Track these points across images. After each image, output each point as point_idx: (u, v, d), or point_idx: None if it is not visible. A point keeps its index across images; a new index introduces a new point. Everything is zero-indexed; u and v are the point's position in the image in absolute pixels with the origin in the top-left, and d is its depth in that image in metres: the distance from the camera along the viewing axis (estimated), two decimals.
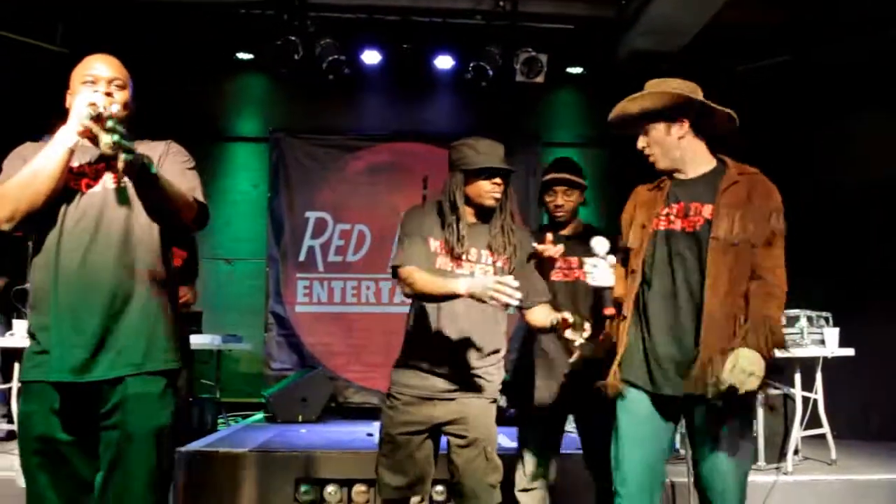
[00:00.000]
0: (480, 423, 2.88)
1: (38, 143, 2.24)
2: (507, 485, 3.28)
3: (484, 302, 2.56)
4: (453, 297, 2.66)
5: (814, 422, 4.81)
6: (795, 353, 4.62)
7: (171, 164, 2.31)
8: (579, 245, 3.17)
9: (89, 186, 2.18)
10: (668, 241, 2.57)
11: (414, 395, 2.88)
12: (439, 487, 4.30)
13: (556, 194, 3.33)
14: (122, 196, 2.18)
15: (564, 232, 3.36)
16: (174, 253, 3.90)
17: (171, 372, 2.25)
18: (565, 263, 3.28)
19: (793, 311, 4.84)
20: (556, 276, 3.23)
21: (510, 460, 3.91)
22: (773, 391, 4.79)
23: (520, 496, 3.26)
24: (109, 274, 2.12)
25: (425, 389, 2.87)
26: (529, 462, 3.27)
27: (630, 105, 2.61)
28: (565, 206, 3.32)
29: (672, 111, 2.57)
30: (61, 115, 2.25)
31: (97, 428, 2.14)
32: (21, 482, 2.20)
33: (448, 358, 2.85)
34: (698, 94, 2.58)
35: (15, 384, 4.42)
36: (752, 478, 4.36)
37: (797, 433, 4.69)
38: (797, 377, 4.68)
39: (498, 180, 2.85)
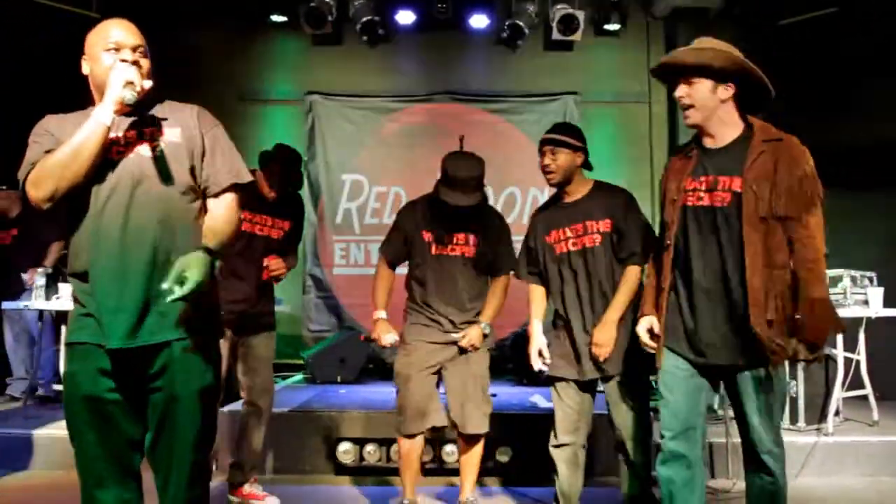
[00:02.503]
0: (475, 365, 3.62)
1: (59, 115, 2.23)
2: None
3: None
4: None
5: (856, 383, 4.75)
6: (838, 313, 4.55)
7: (215, 145, 2.29)
8: (587, 208, 3.35)
9: (120, 153, 2.17)
10: (698, 217, 2.65)
11: (421, 342, 3.61)
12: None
13: (544, 155, 3.37)
14: (160, 164, 2.18)
15: (568, 199, 3.42)
16: (276, 224, 3.93)
17: (214, 335, 2.29)
18: (572, 232, 3.35)
19: (836, 271, 4.75)
20: (562, 247, 3.37)
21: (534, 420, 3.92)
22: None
23: (552, 451, 3.38)
24: (150, 239, 2.13)
25: (429, 337, 3.61)
26: (560, 419, 3.36)
27: (688, 55, 2.61)
28: (551, 166, 3.34)
29: (725, 73, 2.59)
30: (82, 81, 2.24)
31: (143, 388, 2.18)
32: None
33: (441, 313, 3.62)
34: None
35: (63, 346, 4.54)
36: (793, 438, 4.39)
37: (838, 394, 4.64)
38: (839, 338, 4.62)
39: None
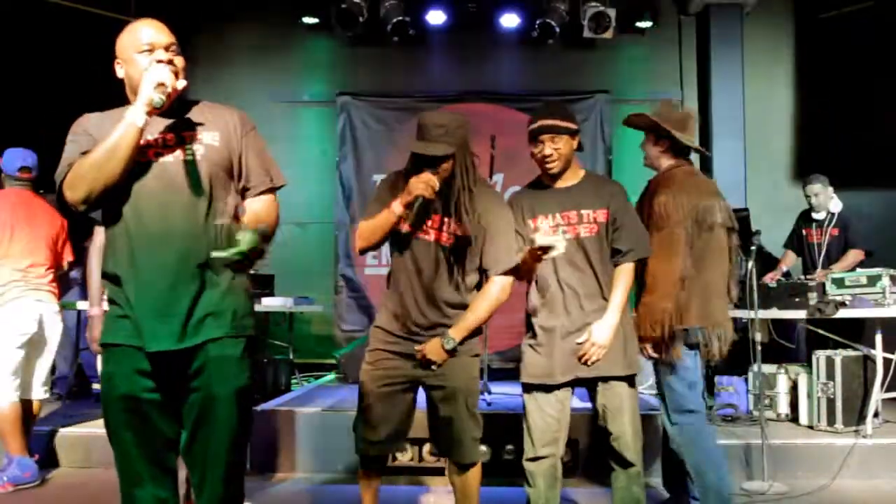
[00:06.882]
0: (459, 375, 2.94)
1: (98, 113, 2.24)
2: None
3: (411, 206, 2.78)
4: (394, 221, 2.87)
5: (895, 384, 4.66)
6: (876, 312, 4.48)
7: (251, 148, 2.32)
8: (581, 195, 3.07)
9: (158, 155, 2.18)
10: None
11: (393, 352, 2.98)
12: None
13: (542, 144, 3.02)
14: (193, 167, 2.19)
15: (560, 185, 3.11)
16: None
17: (250, 335, 2.30)
18: (564, 219, 3.06)
19: (874, 270, 4.67)
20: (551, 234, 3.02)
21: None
22: (852, 352, 4.68)
23: (527, 465, 3.07)
24: (186, 243, 2.15)
25: (395, 346, 2.97)
26: (540, 430, 3.05)
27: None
28: (553, 155, 3.01)
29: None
30: (118, 84, 2.25)
31: (180, 388, 2.19)
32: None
33: (418, 317, 2.94)
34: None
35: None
36: (830, 440, 4.33)
37: (877, 395, 4.56)
38: (878, 338, 4.53)
39: (436, 168, 2.83)
